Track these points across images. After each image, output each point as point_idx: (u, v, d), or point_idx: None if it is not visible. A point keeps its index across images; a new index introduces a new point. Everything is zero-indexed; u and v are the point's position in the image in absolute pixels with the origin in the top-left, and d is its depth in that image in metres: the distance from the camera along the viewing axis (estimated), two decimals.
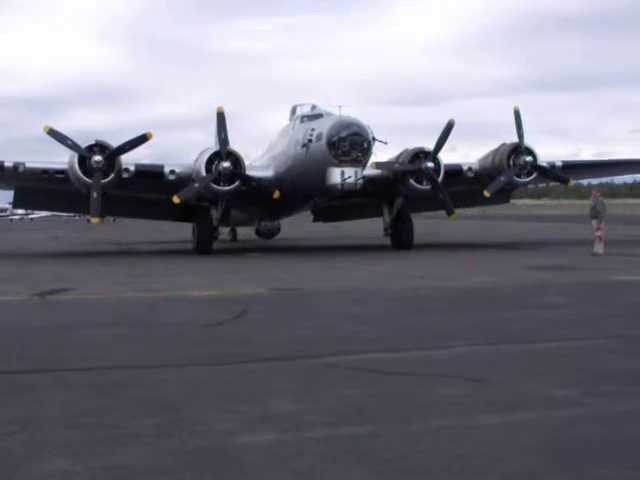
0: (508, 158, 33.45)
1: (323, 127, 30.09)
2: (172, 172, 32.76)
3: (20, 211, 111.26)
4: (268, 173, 34.11)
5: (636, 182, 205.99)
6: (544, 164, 34.70)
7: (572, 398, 7.82)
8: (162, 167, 33.11)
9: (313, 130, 30.57)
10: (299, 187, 32.32)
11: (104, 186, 30.66)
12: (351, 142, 29.25)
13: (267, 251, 36.01)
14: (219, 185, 31.28)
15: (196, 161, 32.02)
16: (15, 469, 6.00)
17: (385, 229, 35.78)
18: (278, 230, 46.00)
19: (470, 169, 35.20)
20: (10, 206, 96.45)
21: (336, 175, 29.59)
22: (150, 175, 33.09)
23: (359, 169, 29.89)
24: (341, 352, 10.38)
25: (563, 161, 37.09)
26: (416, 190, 33.02)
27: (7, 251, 38.73)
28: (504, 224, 67.91)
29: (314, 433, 6.73)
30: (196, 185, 31.23)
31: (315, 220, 43.77)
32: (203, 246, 33.74)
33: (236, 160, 31.53)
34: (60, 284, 20.15)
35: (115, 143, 31.36)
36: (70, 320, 14.07)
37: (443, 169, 33.23)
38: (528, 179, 34.10)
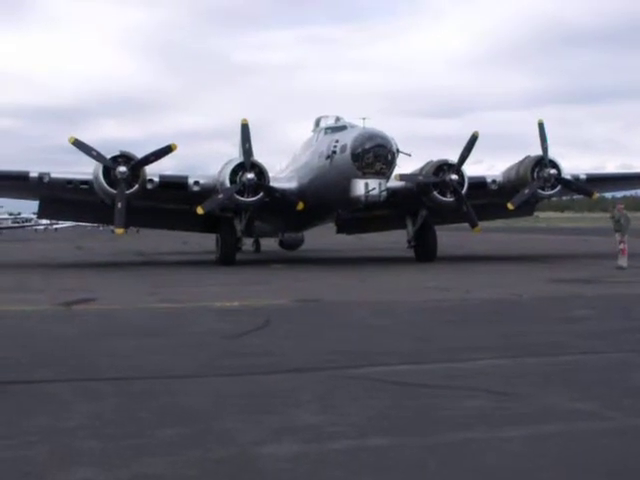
0: (532, 171, 33.34)
1: (347, 139, 30.06)
2: (196, 183, 32.85)
3: (44, 221, 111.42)
4: (292, 184, 34.13)
5: None
6: (568, 177, 34.56)
7: (596, 411, 7.80)
8: (186, 178, 33.20)
9: (337, 142, 30.56)
10: (323, 199, 32.29)
11: (128, 197, 30.77)
12: (375, 154, 29.21)
13: (290, 262, 36.01)
14: (243, 196, 31.32)
15: (220, 172, 32.09)
16: (40, 479, 6.05)
17: (408, 241, 35.72)
18: (301, 241, 45.95)
19: (494, 181, 35.12)
20: (35, 216, 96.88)
21: (360, 187, 29.54)
22: (174, 186, 33.20)
23: (383, 181, 29.84)
24: (364, 364, 10.39)
25: (587, 174, 36.92)
26: (440, 202, 33.01)
27: (32, 261, 38.92)
28: (528, 236, 67.69)
29: (338, 445, 6.74)
30: (220, 196, 31.28)
31: (339, 232, 43.69)
32: (227, 257, 33.78)
33: (260, 171, 31.56)
34: (84, 294, 20.25)
35: (140, 154, 31.48)
36: (94, 330, 14.13)
37: (467, 181, 33.19)
38: (552, 192, 33.94)
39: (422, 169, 33.70)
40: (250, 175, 31.10)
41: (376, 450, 6.60)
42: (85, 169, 32.65)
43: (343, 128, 31.84)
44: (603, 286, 21.57)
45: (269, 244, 47.43)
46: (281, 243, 46.02)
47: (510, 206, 33.60)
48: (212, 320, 15.35)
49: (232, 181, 31.24)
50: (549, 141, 33.13)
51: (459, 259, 36.82)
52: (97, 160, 30.80)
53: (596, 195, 36.78)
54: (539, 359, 10.69)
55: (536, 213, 49.26)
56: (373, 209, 33.28)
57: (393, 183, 31.93)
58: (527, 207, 38.54)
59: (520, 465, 6.24)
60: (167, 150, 31.29)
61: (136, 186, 30.97)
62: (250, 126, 31.52)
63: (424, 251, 34.97)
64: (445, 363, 10.48)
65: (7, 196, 40.50)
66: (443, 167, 33.08)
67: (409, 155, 32.30)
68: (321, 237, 54.55)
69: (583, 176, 36.41)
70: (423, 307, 17.25)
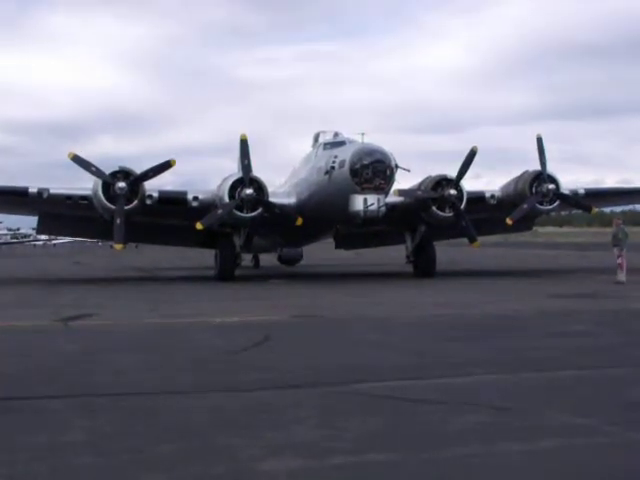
0: (531, 185, 33.44)
1: (346, 154, 30.11)
2: (195, 198, 32.91)
3: (43, 237, 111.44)
4: (291, 200, 34.18)
5: None
6: (567, 192, 34.64)
7: (594, 426, 7.80)
8: (185, 193, 33.26)
9: (336, 157, 30.61)
10: (321, 214, 32.33)
11: (127, 212, 30.82)
12: (374, 169, 29.25)
13: (289, 278, 36.03)
14: (242, 212, 31.37)
15: (219, 187, 32.14)
16: None
17: (407, 256, 35.78)
18: (300, 257, 46.01)
19: (493, 196, 35.19)
20: (34, 232, 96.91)
21: (359, 202, 29.58)
22: (173, 201, 33.26)
23: (382, 196, 29.88)
24: (364, 379, 10.38)
25: (586, 189, 37.01)
26: (438, 217, 33.07)
27: (30, 276, 38.93)
28: (526, 251, 67.73)
29: (337, 460, 6.75)
30: (219, 211, 31.33)
31: (337, 247, 43.76)
32: (225, 273, 33.83)
33: (259, 187, 31.61)
34: (83, 310, 20.26)
35: (139, 170, 31.56)
36: (93, 346, 14.12)
37: (466, 196, 33.26)
38: (551, 207, 34.01)
39: (421, 184, 33.77)
40: (249, 190, 31.15)
41: (375, 466, 6.60)
42: (84, 185, 32.72)
43: (342, 143, 31.89)
44: (602, 301, 21.59)
45: (268, 259, 47.46)
46: (280, 258, 46.06)
47: (509, 221, 33.69)
48: (211, 336, 15.35)
49: (231, 196, 31.30)
50: (547, 156, 33.24)
51: (458, 274, 36.85)
52: (96, 176, 30.86)
53: (595, 210, 36.82)
54: (538, 374, 10.69)
55: (535, 228, 49.23)
56: (372, 224, 33.29)
57: (392, 198, 32.03)
58: (526, 222, 38.66)
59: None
60: (166, 166, 31.37)
61: (135, 202, 31.03)
62: (249, 141, 31.61)
63: (423, 266, 35.03)
64: (444, 378, 10.48)
65: (6, 212, 40.65)
66: (442, 182, 33.18)
67: (408, 170, 32.35)
68: (320, 252, 54.60)
69: (582, 191, 36.50)
70: (422, 322, 17.26)
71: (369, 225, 33.50)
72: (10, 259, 68.01)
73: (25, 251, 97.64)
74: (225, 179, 32.27)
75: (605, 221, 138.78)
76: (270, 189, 33.03)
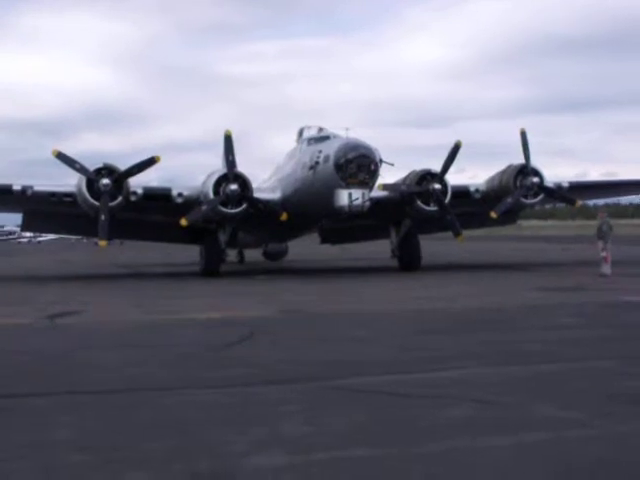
0: (515, 179, 33.51)
1: (330, 149, 30.10)
2: (180, 195, 32.87)
3: (28, 234, 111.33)
4: (275, 195, 34.17)
5: None
6: (551, 185, 34.74)
7: (581, 419, 7.80)
8: (170, 190, 33.21)
9: (320, 152, 30.60)
10: (306, 209, 32.33)
11: (112, 209, 30.75)
12: (358, 164, 29.25)
13: (274, 273, 36.03)
14: (227, 207, 31.37)
15: (204, 184, 32.12)
16: None
17: (392, 251, 35.83)
18: (285, 252, 46.05)
19: (477, 190, 35.25)
20: (18, 229, 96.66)
21: (343, 197, 29.58)
22: (158, 198, 33.21)
23: (366, 191, 29.89)
24: (348, 374, 10.38)
25: (570, 182, 37.10)
26: (423, 211, 33.12)
27: (15, 274, 38.82)
28: (511, 245, 67.86)
29: (323, 455, 6.74)
30: (204, 207, 31.34)
31: (322, 242, 43.73)
32: (210, 268, 33.82)
33: (244, 182, 31.62)
34: (68, 307, 20.21)
35: (123, 166, 31.48)
36: (78, 343, 14.10)
37: (450, 190, 33.32)
38: (535, 200, 34.11)
39: (405, 179, 33.80)
40: (233, 186, 31.16)
41: (361, 460, 6.59)
42: (69, 182, 32.62)
43: (326, 138, 31.85)
44: (587, 294, 21.64)
45: (253, 255, 47.43)
46: (265, 254, 46.09)
47: (493, 214, 33.77)
48: (197, 332, 15.33)
49: (215, 192, 31.29)
50: (531, 149, 33.34)
51: (443, 268, 36.88)
52: (80, 173, 30.77)
53: (579, 203, 36.90)
54: (524, 367, 10.69)
55: (519, 221, 49.36)
56: (357, 219, 33.31)
57: (376, 193, 32.03)
58: (510, 215, 38.72)
59: (506, 474, 6.25)
60: (150, 162, 31.30)
61: (120, 198, 30.96)
62: (234, 137, 31.59)
63: (408, 260, 35.09)
64: (429, 372, 10.49)
65: None
66: (426, 176, 33.21)
67: (392, 165, 32.54)
68: (305, 247, 54.58)
69: (566, 184, 36.59)
70: (407, 317, 17.27)
71: (354, 220, 33.52)
72: None
73: (10, 248, 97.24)
74: (209, 175, 32.25)
75: (589, 214, 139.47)
76: (255, 184, 33.05)
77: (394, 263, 35.76)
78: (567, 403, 8.47)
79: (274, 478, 6.22)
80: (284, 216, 32.26)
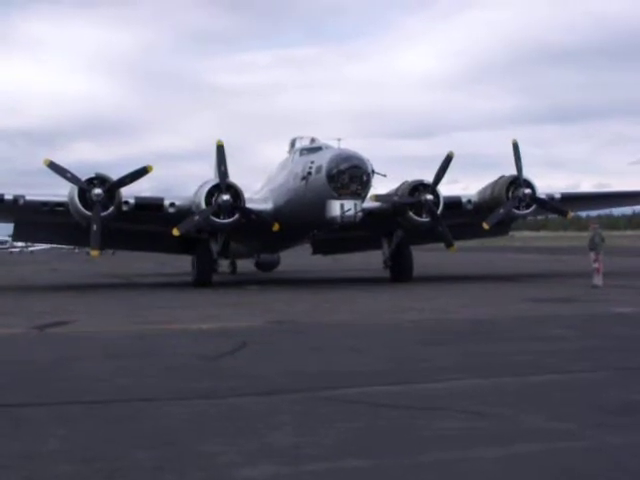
0: (507, 190, 33.55)
1: (322, 160, 30.10)
2: (172, 205, 32.86)
3: (20, 244, 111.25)
4: (268, 206, 34.15)
5: (635, 213, 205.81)
6: (543, 196, 34.80)
7: (572, 430, 7.80)
8: (162, 200, 33.20)
9: (312, 163, 30.59)
10: (298, 220, 32.30)
11: (104, 219, 30.72)
12: (350, 175, 29.24)
13: (266, 284, 36.00)
14: (219, 218, 31.38)
15: (196, 194, 32.13)
16: None
17: (384, 261, 35.79)
18: (277, 263, 46.07)
19: (469, 201, 35.29)
20: (10, 239, 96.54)
21: (335, 208, 29.57)
22: (150, 208, 33.18)
23: (358, 202, 29.88)
24: (340, 385, 10.36)
25: (562, 193, 37.17)
26: (415, 222, 33.12)
27: (7, 284, 38.72)
28: (503, 256, 67.90)
29: (313, 466, 6.72)
30: (196, 218, 31.34)
31: (314, 253, 43.76)
32: (203, 279, 33.79)
33: (236, 193, 31.64)
34: (59, 317, 20.15)
35: (116, 176, 31.46)
36: (69, 353, 14.05)
37: (442, 201, 33.34)
38: (527, 211, 34.16)
39: (397, 189, 33.80)
40: (226, 197, 31.18)
41: (352, 472, 6.58)
42: (61, 192, 32.58)
43: (318, 149, 31.87)
44: (579, 305, 21.66)
45: (245, 265, 47.40)
46: (257, 264, 46.08)
47: (485, 225, 33.78)
48: (188, 342, 15.29)
49: (208, 203, 31.31)
50: (524, 161, 33.39)
51: (435, 279, 36.89)
52: (72, 182, 30.75)
53: (571, 214, 36.93)
54: (516, 379, 10.69)
55: (511, 232, 49.42)
56: (349, 230, 33.31)
57: (369, 204, 32.04)
58: (502, 226, 38.71)
59: None
60: (143, 172, 31.29)
61: (112, 208, 30.94)
62: (226, 147, 31.64)
63: (400, 271, 35.07)
64: (421, 384, 10.47)
65: None
66: (418, 187, 33.23)
67: (384, 176, 32.50)
68: (297, 258, 54.56)
69: (558, 195, 36.64)
70: (399, 328, 17.25)
71: (346, 230, 33.51)
72: None
73: (1, 258, 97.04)
74: (202, 185, 32.26)
75: (581, 225, 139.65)
76: (247, 195, 33.06)
77: (386, 274, 35.73)
78: (558, 414, 8.47)
79: None
80: (276, 226, 32.30)
